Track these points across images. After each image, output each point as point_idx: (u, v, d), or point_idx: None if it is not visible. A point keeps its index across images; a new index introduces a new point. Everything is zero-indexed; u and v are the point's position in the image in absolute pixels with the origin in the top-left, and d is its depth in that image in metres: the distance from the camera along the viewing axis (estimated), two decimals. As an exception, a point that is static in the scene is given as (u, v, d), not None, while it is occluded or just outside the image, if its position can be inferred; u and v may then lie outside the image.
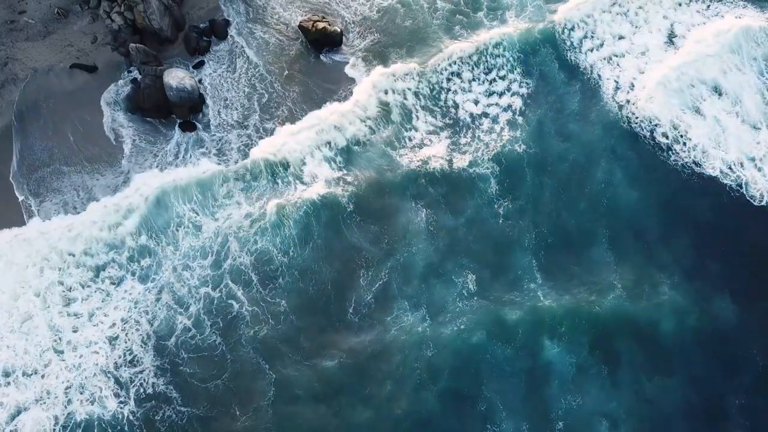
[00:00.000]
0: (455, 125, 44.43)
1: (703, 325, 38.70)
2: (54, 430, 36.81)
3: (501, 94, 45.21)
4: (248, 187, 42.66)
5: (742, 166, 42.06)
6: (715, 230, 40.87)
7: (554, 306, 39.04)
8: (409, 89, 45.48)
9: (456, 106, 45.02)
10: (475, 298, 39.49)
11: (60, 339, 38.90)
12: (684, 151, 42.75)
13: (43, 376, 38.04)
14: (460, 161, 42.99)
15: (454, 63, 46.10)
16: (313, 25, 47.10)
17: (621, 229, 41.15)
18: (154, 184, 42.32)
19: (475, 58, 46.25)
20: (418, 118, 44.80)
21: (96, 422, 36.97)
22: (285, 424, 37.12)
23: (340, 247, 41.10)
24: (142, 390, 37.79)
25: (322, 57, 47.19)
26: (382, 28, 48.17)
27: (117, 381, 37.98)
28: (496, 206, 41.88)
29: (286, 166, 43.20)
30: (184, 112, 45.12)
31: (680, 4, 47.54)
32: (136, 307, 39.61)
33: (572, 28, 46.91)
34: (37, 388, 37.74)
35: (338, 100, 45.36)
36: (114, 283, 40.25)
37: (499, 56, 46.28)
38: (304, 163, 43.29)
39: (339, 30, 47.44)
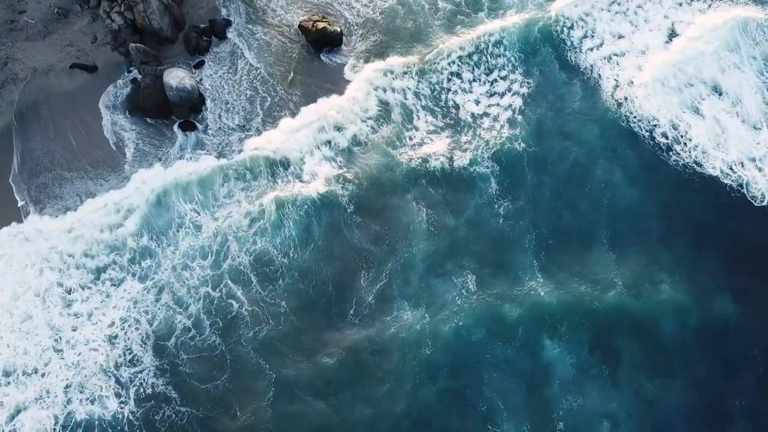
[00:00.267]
0: (456, 124, 44.39)
1: (704, 325, 38.66)
2: (54, 429, 36.74)
3: (502, 95, 45.18)
4: (248, 186, 42.60)
5: (742, 166, 42.01)
6: (715, 230, 40.82)
7: (555, 305, 39.00)
8: (409, 89, 45.47)
9: (456, 106, 44.98)
10: (476, 298, 39.44)
11: (60, 338, 38.83)
12: (684, 151, 42.70)
13: (42, 375, 37.96)
14: (461, 159, 42.94)
15: (454, 63, 46.05)
16: (313, 26, 47.07)
17: (621, 228, 41.13)
18: (154, 182, 42.20)
19: (475, 58, 46.23)
20: (419, 117, 44.79)
21: (96, 422, 36.90)
22: (285, 424, 37.05)
23: (339, 247, 41.06)
24: (142, 390, 37.72)
25: (322, 57, 47.15)
26: (382, 28, 48.13)
27: (117, 380, 37.93)
28: (496, 206, 41.81)
29: (286, 165, 43.15)
30: (184, 111, 45.07)
31: (681, 4, 47.49)
32: (135, 307, 39.54)
33: (572, 27, 46.90)
34: (36, 387, 37.66)
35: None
36: (114, 285, 40.18)
37: (499, 56, 46.26)
38: (304, 162, 43.24)
39: (339, 30, 47.40)
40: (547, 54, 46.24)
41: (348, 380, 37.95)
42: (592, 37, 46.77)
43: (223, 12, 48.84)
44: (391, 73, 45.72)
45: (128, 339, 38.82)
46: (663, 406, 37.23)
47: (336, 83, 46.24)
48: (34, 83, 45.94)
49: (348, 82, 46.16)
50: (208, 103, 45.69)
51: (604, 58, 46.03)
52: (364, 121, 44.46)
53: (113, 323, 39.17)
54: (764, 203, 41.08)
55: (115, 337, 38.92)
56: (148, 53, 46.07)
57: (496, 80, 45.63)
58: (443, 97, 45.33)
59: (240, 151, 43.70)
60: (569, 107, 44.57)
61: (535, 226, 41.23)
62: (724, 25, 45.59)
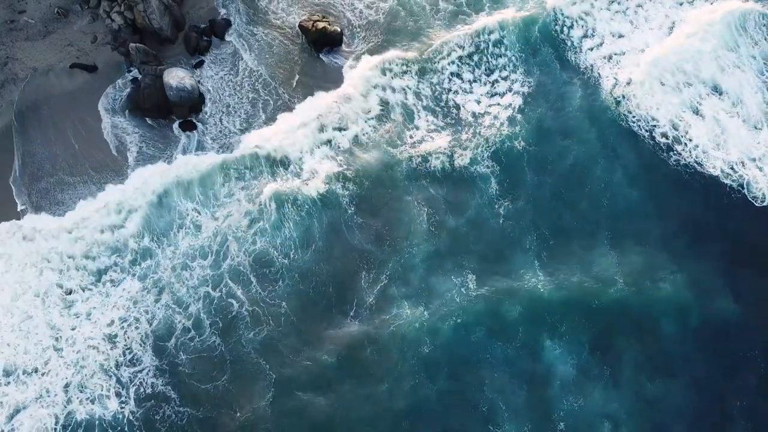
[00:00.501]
0: (456, 123, 44.33)
1: (705, 325, 38.62)
2: (55, 429, 36.72)
3: (503, 94, 45.13)
4: (248, 185, 42.54)
5: (743, 165, 41.94)
6: (716, 230, 40.78)
7: (555, 304, 38.99)
8: (409, 88, 45.42)
9: (457, 105, 44.93)
10: (476, 297, 39.38)
11: (59, 337, 38.79)
12: (685, 151, 42.63)
13: (42, 374, 37.93)
14: (461, 158, 42.90)
15: (454, 63, 46.00)
16: (313, 25, 47.03)
17: (622, 228, 41.06)
18: (155, 181, 42.17)
19: (476, 58, 46.19)
20: (419, 116, 44.71)
21: (96, 422, 36.88)
22: (285, 424, 37.03)
23: (339, 247, 41.04)
24: (142, 389, 37.71)
25: (322, 57, 47.10)
26: (383, 29, 48.01)
27: (118, 380, 37.91)
28: (496, 206, 41.76)
29: (286, 163, 43.10)
30: (184, 111, 45.05)
31: (681, 3, 47.40)
32: (135, 307, 39.51)
33: (572, 27, 46.84)
34: (37, 387, 37.63)
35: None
36: (114, 285, 40.16)
37: (500, 56, 46.22)
38: (304, 161, 43.18)
39: (339, 30, 47.36)
40: (547, 54, 46.20)
41: (348, 380, 37.93)
42: (593, 36, 46.72)
43: (223, 12, 48.79)
44: (390, 71, 45.60)
45: (128, 338, 38.81)
46: (663, 406, 37.19)
47: (336, 83, 46.15)
48: (34, 83, 45.94)
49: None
50: (210, 105, 45.57)
51: (604, 58, 45.97)
52: (366, 121, 44.43)
53: (113, 322, 39.13)
54: (765, 203, 41.02)
55: (115, 336, 38.91)
56: (148, 53, 46.06)
57: (497, 81, 45.57)
58: (444, 97, 45.27)
59: (240, 150, 43.62)
60: (569, 106, 44.53)
61: (535, 226, 41.19)
62: (721, 21, 45.43)
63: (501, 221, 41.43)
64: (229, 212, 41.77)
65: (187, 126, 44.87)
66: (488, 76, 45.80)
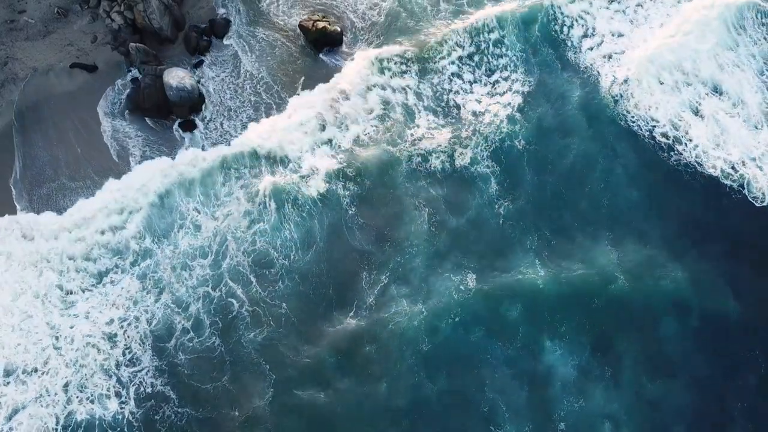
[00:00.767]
0: (457, 122, 44.26)
1: (706, 326, 38.58)
2: (55, 429, 36.76)
3: (503, 94, 45.09)
4: (248, 184, 42.51)
5: (744, 164, 41.88)
6: (717, 230, 40.71)
7: (555, 304, 39.01)
8: (410, 88, 45.37)
9: (457, 105, 44.88)
10: (476, 297, 39.38)
11: (59, 336, 38.80)
12: (685, 151, 42.58)
13: (42, 374, 37.95)
14: (462, 157, 42.88)
15: (454, 63, 45.96)
16: (313, 25, 46.99)
17: (622, 227, 41.02)
18: (156, 181, 42.18)
19: (476, 59, 46.15)
20: (420, 116, 44.64)
21: (96, 422, 36.93)
22: (285, 424, 37.07)
23: (339, 247, 41.03)
24: (142, 389, 37.74)
25: (321, 57, 47.06)
26: (384, 29, 47.89)
27: (118, 380, 37.95)
28: (496, 205, 41.75)
29: (285, 162, 43.07)
30: (184, 111, 45.05)
31: (680, 1, 47.29)
32: (135, 306, 39.53)
33: (572, 26, 46.76)
34: (36, 386, 37.65)
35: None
36: (113, 283, 40.18)
37: (501, 56, 46.17)
38: (304, 160, 43.12)
39: (339, 30, 47.30)
40: (547, 54, 46.11)
41: (348, 380, 37.96)
42: (593, 36, 46.65)
43: (221, 11, 48.69)
44: (389, 70, 45.53)
45: (128, 338, 38.84)
46: (664, 406, 37.19)
47: (336, 83, 46.19)
48: (34, 83, 45.94)
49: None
50: (211, 108, 45.46)
51: (604, 57, 45.85)
52: (367, 121, 44.39)
53: (112, 321, 39.13)
54: (765, 203, 40.98)
55: (115, 335, 38.94)
56: (148, 53, 46.06)
57: (497, 81, 45.52)
58: (445, 97, 45.19)
59: (240, 147, 43.54)
60: (570, 106, 44.45)
61: (535, 225, 41.15)
62: (719, 17, 45.34)
63: (501, 221, 41.42)
64: (229, 211, 41.75)
65: (188, 126, 44.87)
66: (489, 76, 45.74)
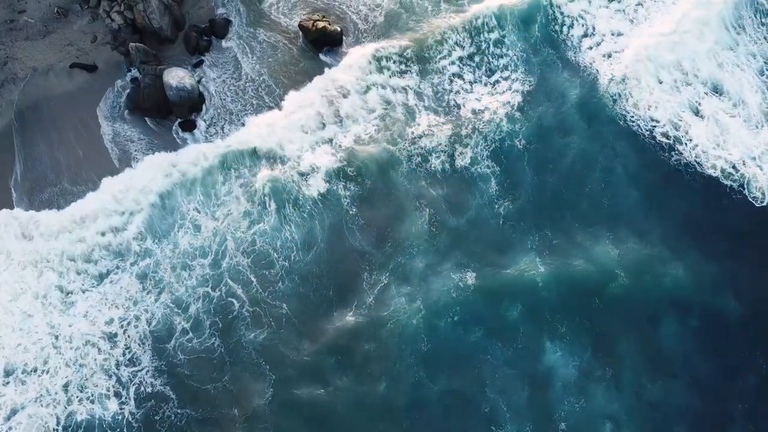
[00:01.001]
0: (457, 122, 44.24)
1: (706, 326, 38.58)
2: (56, 429, 36.77)
3: (503, 93, 45.08)
4: (248, 183, 42.49)
5: (744, 164, 41.85)
6: (717, 229, 40.71)
7: (555, 303, 39.03)
8: (410, 88, 45.36)
9: (458, 105, 44.86)
10: (476, 297, 39.39)
11: (59, 335, 38.80)
12: (685, 150, 42.56)
13: (41, 374, 37.95)
14: (462, 157, 42.88)
15: (455, 63, 45.94)
16: (313, 25, 46.95)
17: (622, 227, 41.02)
18: (157, 184, 42.16)
19: (477, 59, 46.12)
20: (420, 115, 44.60)
21: (96, 422, 36.94)
22: (284, 424, 37.08)
23: (339, 246, 41.03)
24: (141, 390, 37.75)
25: (321, 57, 47.03)
26: (385, 29, 47.81)
27: (118, 380, 37.95)
28: (496, 205, 41.75)
29: (285, 161, 43.06)
30: (184, 111, 45.05)
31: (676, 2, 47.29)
32: (135, 306, 39.53)
33: (572, 26, 46.74)
34: (36, 386, 37.65)
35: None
36: (113, 283, 40.19)
37: (501, 56, 46.16)
38: (303, 159, 43.09)
39: (339, 29, 47.25)
40: (547, 54, 46.06)
41: (349, 380, 37.97)
42: (592, 35, 46.62)
43: (222, 11, 48.64)
44: (388, 69, 45.51)
45: (128, 338, 38.84)
46: (664, 407, 37.19)
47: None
48: (33, 83, 45.92)
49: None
50: (212, 111, 45.40)
51: (603, 56, 45.86)
52: (368, 121, 44.38)
53: (112, 321, 39.12)
54: (764, 203, 40.96)
55: (115, 335, 38.94)
56: (148, 53, 46.05)
57: (498, 81, 45.51)
58: (445, 97, 45.14)
59: (240, 146, 43.53)
60: (570, 106, 44.44)
61: (536, 225, 41.17)
62: (717, 15, 45.31)
63: (501, 221, 41.42)
64: (229, 211, 41.72)
65: (187, 126, 44.87)
66: (489, 76, 45.72)
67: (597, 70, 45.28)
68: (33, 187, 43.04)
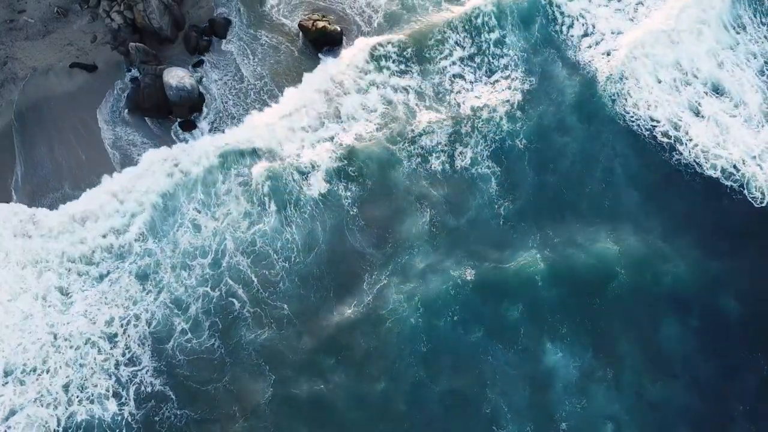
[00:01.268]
0: (457, 122, 44.21)
1: (706, 326, 38.60)
2: (56, 430, 36.75)
3: (503, 92, 45.07)
4: (247, 182, 42.46)
5: (744, 164, 41.84)
6: (717, 229, 40.74)
7: (556, 303, 39.03)
8: (411, 87, 45.33)
9: (458, 104, 44.84)
10: (477, 296, 39.38)
11: (57, 335, 38.77)
12: (685, 150, 42.55)
13: (41, 374, 37.92)
14: (462, 156, 42.87)
15: (455, 64, 45.90)
16: (313, 24, 46.90)
17: (622, 227, 41.02)
18: (159, 184, 42.17)
19: (477, 59, 46.09)
20: (421, 115, 44.58)
21: (96, 422, 36.92)
22: (284, 424, 37.06)
23: (339, 246, 41.05)
24: (141, 390, 37.73)
25: (321, 57, 46.96)
26: (385, 30, 47.78)
27: (117, 380, 37.92)
28: (497, 204, 41.74)
29: (285, 159, 43.04)
30: (184, 111, 45.01)
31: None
32: (135, 306, 39.51)
33: (572, 25, 46.72)
34: (35, 386, 37.61)
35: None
36: (112, 282, 40.17)
37: (501, 56, 46.12)
38: (304, 158, 43.07)
39: (339, 29, 47.20)
40: (548, 53, 46.03)
41: (349, 380, 37.96)
42: (592, 34, 46.61)
43: (222, 11, 48.56)
44: (387, 69, 45.49)
45: (128, 338, 38.82)
46: (665, 407, 37.20)
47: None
48: (33, 83, 45.87)
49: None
50: (213, 114, 45.34)
51: (603, 55, 45.85)
52: (368, 120, 44.36)
53: (112, 320, 39.09)
54: (764, 203, 40.94)
55: (114, 335, 38.91)
56: (148, 52, 46.02)
57: (498, 80, 45.49)
58: (446, 97, 45.11)
59: (240, 145, 43.56)
60: (570, 105, 44.45)
61: (536, 224, 41.22)
62: (716, 14, 45.32)
63: (501, 220, 41.42)
64: (228, 211, 41.68)
65: (187, 126, 44.84)
66: (489, 76, 45.70)
67: (596, 69, 45.26)
68: (34, 191, 42.91)
